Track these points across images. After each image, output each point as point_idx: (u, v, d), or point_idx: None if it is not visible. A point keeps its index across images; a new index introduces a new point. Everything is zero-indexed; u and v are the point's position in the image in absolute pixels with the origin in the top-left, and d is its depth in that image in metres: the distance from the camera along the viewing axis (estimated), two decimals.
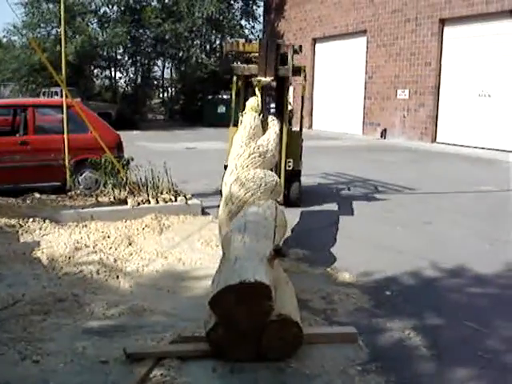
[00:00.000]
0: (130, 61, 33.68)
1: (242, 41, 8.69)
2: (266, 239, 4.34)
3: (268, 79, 7.67)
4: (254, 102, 7.46)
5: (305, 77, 9.28)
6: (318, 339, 4.07)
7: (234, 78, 8.93)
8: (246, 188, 5.30)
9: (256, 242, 4.14)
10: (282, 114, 8.25)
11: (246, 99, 8.13)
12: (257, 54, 8.15)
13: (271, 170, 6.45)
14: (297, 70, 8.70)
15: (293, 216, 7.68)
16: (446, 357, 4.00)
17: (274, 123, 7.49)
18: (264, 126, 7.29)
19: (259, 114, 7.32)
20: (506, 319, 4.72)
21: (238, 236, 4.23)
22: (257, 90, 7.64)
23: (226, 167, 8.42)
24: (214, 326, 3.68)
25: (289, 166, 8.73)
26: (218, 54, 32.72)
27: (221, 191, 8.19)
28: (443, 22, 20.50)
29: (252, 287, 3.46)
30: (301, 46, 8.64)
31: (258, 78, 7.65)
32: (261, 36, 31.71)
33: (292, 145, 8.71)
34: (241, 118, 7.52)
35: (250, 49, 8.51)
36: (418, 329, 4.42)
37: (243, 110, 7.72)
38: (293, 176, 8.85)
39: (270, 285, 3.53)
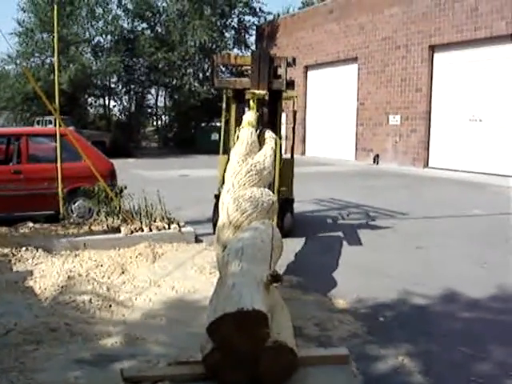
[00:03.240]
0: (124, 89, 34.00)
1: (233, 53, 8.51)
2: (263, 263, 4.35)
3: (263, 92, 7.42)
4: (250, 117, 7.25)
5: (293, 105, 9.17)
6: (311, 361, 4.07)
7: (224, 105, 8.86)
8: (243, 209, 5.29)
9: (253, 266, 4.15)
10: (276, 129, 7.98)
11: (237, 120, 7.91)
12: (249, 68, 7.91)
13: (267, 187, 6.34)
14: (290, 84, 8.30)
15: (286, 244, 7.68)
16: (440, 383, 4.00)
17: (270, 138, 7.24)
18: (260, 140, 7.09)
19: (256, 129, 7.13)
20: (499, 344, 4.72)
21: (236, 261, 4.22)
22: (252, 103, 7.43)
23: (216, 197, 8.33)
24: (211, 351, 3.68)
25: (282, 195, 8.33)
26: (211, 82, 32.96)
27: (213, 225, 8.13)
28: (433, 49, 20.79)
29: (249, 315, 3.47)
30: (294, 59, 8.24)
31: (253, 90, 7.41)
32: None
33: (285, 173, 8.41)
34: (238, 132, 7.24)
35: (242, 61, 8.30)
36: (412, 355, 4.41)
37: (235, 136, 7.58)
38: (286, 205, 8.51)
39: (266, 313, 3.55)
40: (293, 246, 7.92)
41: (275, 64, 7.90)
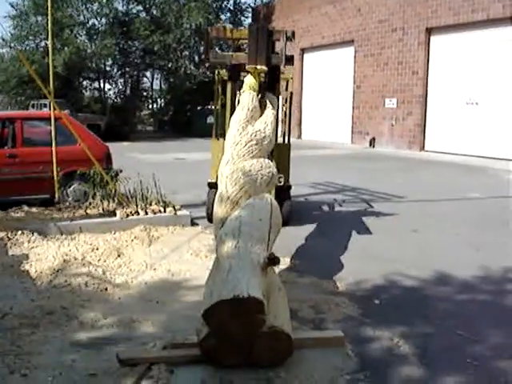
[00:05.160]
0: (119, 72, 33.84)
1: (229, 26, 8.03)
2: (261, 243, 4.30)
3: (265, 68, 7.00)
4: (252, 80, 6.88)
5: (286, 87, 8.97)
6: (306, 343, 4.09)
7: (215, 88, 8.69)
8: (242, 183, 5.18)
9: (250, 247, 4.12)
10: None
11: (233, 103, 7.59)
12: (246, 42, 7.51)
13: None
14: (290, 59, 7.80)
15: (282, 227, 7.67)
16: (434, 365, 4.01)
17: (272, 102, 6.86)
18: (261, 105, 6.68)
19: (258, 95, 6.74)
20: (493, 326, 4.74)
21: (233, 241, 4.20)
22: (253, 77, 6.99)
23: (210, 185, 8.08)
24: (207, 336, 3.70)
25: (279, 182, 8.06)
26: (206, 65, 32.76)
27: (207, 215, 8.09)
28: (430, 31, 20.69)
29: (245, 301, 3.48)
30: (293, 33, 7.90)
31: (253, 65, 6.95)
32: None
33: (282, 158, 8.09)
34: (238, 97, 6.93)
35: (239, 35, 7.96)
36: (406, 337, 4.43)
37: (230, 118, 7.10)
38: (284, 192, 8.20)
39: (262, 299, 3.54)
40: (289, 230, 7.91)
41: (274, 38, 7.58)
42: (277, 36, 7.61)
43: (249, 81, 6.92)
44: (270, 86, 7.45)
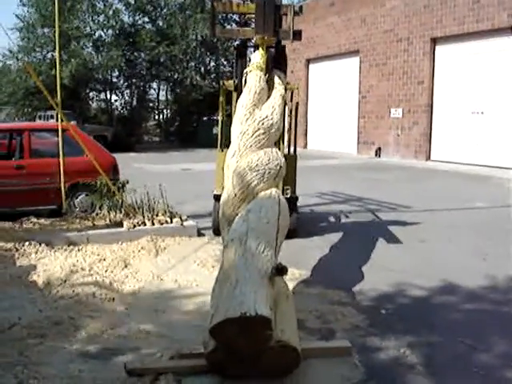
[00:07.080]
0: (126, 83, 33.97)
1: (235, 0, 7.86)
2: (268, 249, 4.17)
3: (273, 38, 6.80)
4: (259, 59, 6.59)
5: (291, 97, 8.91)
6: (313, 353, 4.09)
7: (220, 99, 8.66)
8: (249, 180, 5.01)
9: (257, 256, 4.04)
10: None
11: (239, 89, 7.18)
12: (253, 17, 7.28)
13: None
14: (297, 34, 7.51)
15: (290, 239, 7.67)
16: (441, 374, 4.01)
17: (279, 82, 6.50)
18: (269, 85, 6.37)
19: (265, 74, 6.44)
20: (500, 335, 4.74)
21: (239, 249, 4.11)
22: (261, 50, 6.79)
23: (215, 197, 7.90)
24: (214, 349, 3.69)
25: (286, 194, 7.95)
26: (212, 76, 32.92)
27: (214, 228, 8.08)
28: (435, 41, 20.73)
29: (252, 319, 3.43)
30: (301, 7, 7.66)
31: (261, 35, 6.72)
32: None
33: (288, 169, 7.44)
34: (245, 77, 6.52)
35: (245, 10, 7.71)
36: (413, 347, 4.43)
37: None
38: (290, 204, 7.40)
39: (270, 317, 3.50)
40: (296, 240, 7.91)
41: (281, 12, 7.34)
42: (284, 10, 7.41)
43: (256, 60, 6.66)
44: (276, 63, 7.13)
